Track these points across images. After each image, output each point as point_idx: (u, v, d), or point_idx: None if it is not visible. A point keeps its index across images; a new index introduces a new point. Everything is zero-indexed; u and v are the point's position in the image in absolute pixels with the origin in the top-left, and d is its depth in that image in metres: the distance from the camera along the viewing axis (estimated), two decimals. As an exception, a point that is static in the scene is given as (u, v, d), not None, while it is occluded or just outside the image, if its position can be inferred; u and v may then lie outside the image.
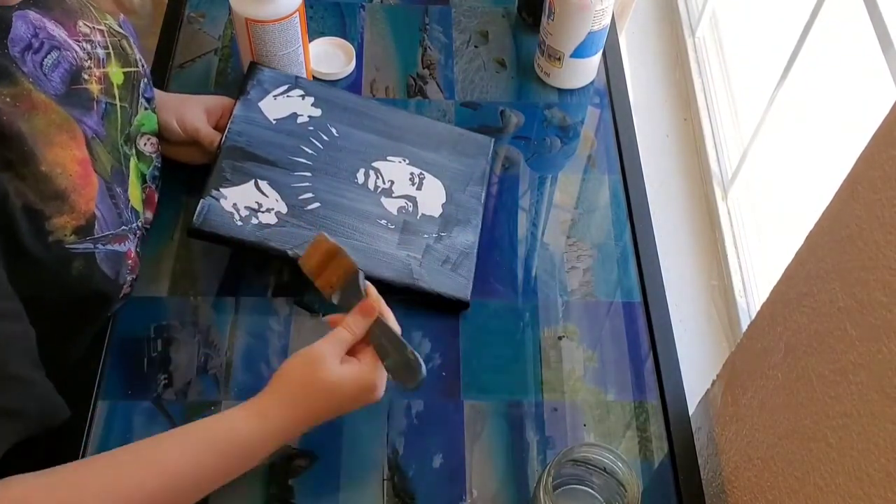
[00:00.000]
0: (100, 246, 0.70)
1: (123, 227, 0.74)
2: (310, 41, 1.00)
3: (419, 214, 0.87)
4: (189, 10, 1.08)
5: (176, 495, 0.63)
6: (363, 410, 0.76)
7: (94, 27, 0.75)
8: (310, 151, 0.87)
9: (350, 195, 0.86)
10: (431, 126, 0.95)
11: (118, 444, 0.73)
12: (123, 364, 0.78)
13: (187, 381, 0.77)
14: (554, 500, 0.64)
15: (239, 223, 0.80)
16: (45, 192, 0.64)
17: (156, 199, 0.85)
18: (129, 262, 0.74)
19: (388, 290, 0.81)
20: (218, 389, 0.77)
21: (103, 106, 0.74)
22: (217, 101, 0.89)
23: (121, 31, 0.80)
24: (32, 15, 0.67)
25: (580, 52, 0.98)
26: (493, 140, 0.95)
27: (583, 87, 1.04)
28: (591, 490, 0.71)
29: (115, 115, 0.75)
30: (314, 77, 1.01)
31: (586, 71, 1.02)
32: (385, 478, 0.74)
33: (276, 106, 0.89)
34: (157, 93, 0.86)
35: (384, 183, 0.88)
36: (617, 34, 1.11)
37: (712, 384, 0.82)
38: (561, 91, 1.03)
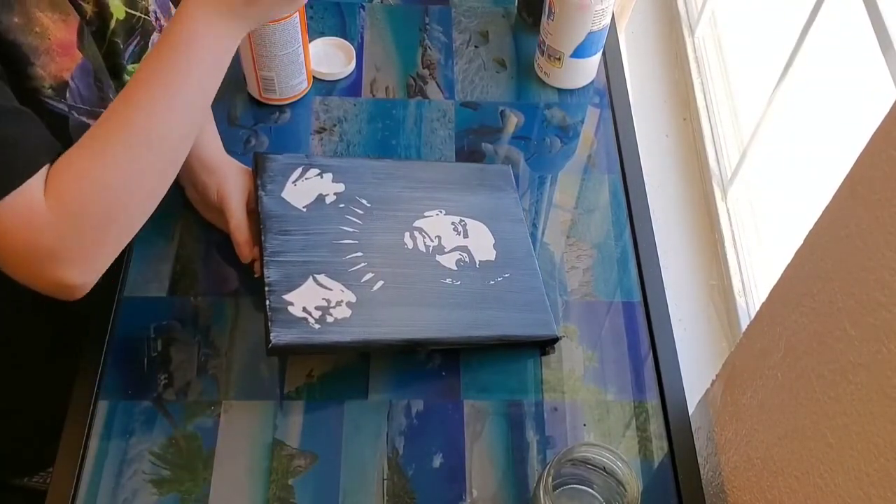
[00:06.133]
0: (73, 113, 0.71)
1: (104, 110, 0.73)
2: (310, 41, 1.00)
3: (477, 262, 0.84)
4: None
5: (186, 106, 0.66)
6: (363, 410, 0.76)
7: None
8: (351, 230, 0.82)
9: (408, 263, 0.81)
10: (451, 169, 0.92)
11: (118, 443, 0.74)
12: (123, 364, 0.78)
13: (187, 381, 0.77)
14: (554, 499, 0.65)
15: (317, 326, 0.74)
16: (19, 41, 0.65)
17: None
18: None
19: (481, 347, 0.79)
20: (218, 389, 0.77)
21: (93, 28, 0.74)
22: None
23: None
24: None
25: (580, 52, 0.98)
26: (510, 166, 0.94)
27: (583, 87, 1.04)
28: (591, 490, 0.71)
29: (102, 42, 0.75)
30: (314, 77, 1.01)
31: (586, 71, 1.02)
32: (385, 478, 0.74)
33: (300, 192, 0.83)
34: (213, 151, 0.84)
35: (432, 241, 0.84)
36: (617, 34, 1.11)
37: (712, 384, 0.82)
38: (561, 91, 1.03)
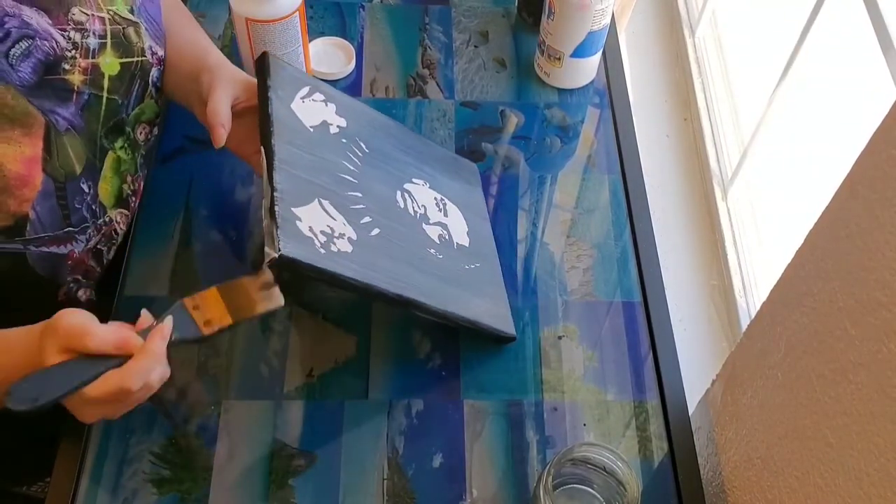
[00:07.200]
0: (31, 248, 0.69)
1: (70, 229, 0.72)
2: (310, 41, 1.00)
3: (455, 244, 0.81)
4: (189, 11, 1.07)
5: None
6: (363, 410, 0.76)
7: (92, 14, 0.72)
8: (351, 168, 0.76)
9: (401, 221, 0.77)
10: (432, 147, 0.90)
11: (118, 443, 0.74)
12: (123, 364, 0.78)
13: (187, 381, 0.77)
14: (554, 499, 0.65)
15: (322, 251, 0.66)
16: None
17: (141, 188, 0.84)
18: (70, 263, 0.73)
19: (450, 323, 0.77)
20: (218, 389, 0.77)
21: (85, 97, 0.72)
22: (248, 88, 0.79)
23: (130, 17, 0.77)
24: (6, 2, 0.65)
25: (580, 52, 0.98)
26: (476, 165, 0.94)
27: (583, 87, 1.04)
28: (591, 490, 0.71)
29: (98, 108, 0.73)
30: (314, 77, 1.00)
31: (586, 71, 1.02)
32: (385, 478, 0.74)
33: (307, 111, 0.77)
34: (216, 57, 0.81)
35: (419, 207, 0.80)
36: (617, 34, 1.11)
37: (712, 384, 0.82)
38: (561, 91, 1.03)
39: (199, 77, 0.79)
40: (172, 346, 0.62)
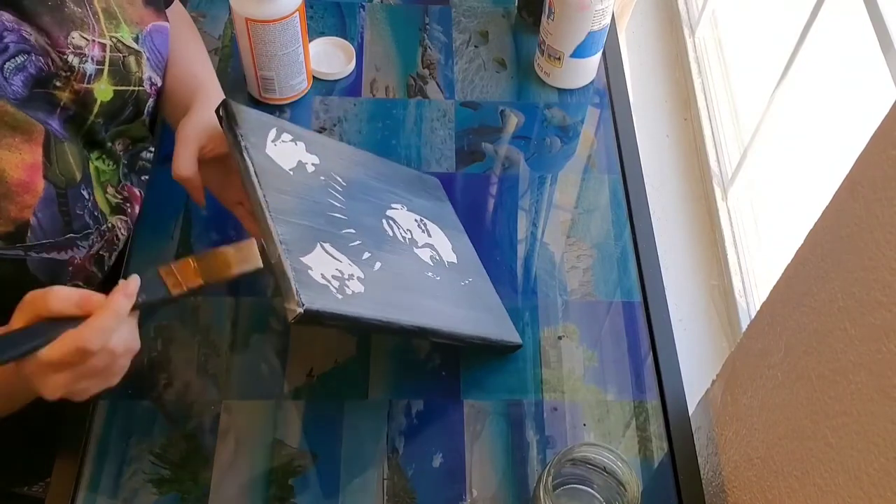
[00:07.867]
0: (32, 254, 0.68)
1: (71, 235, 0.72)
2: (310, 41, 1.00)
3: (446, 262, 0.80)
4: (189, 10, 1.07)
5: None
6: (363, 410, 0.76)
7: (93, 40, 0.72)
8: (337, 205, 0.75)
9: (395, 250, 0.76)
10: (397, 168, 0.88)
11: (118, 443, 0.74)
12: (123, 364, 0.78)
13: (187, 381, 0.77)
14: (554, 499, 0.65)
15: (339, 296, 0.65)
16: None
17: (137, 193, 0.84)
18: (71, 269, 0.73)
19: (465, 346, 0.77)
20: (218, 389, 0.77)
21: (70, 113, 0.72)
22: (217, 135, 0.77)
23: (133, 46, 0.76)
24: (5, 16, 0.66)
25: (580, 52, 0.98)
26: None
27: (583, 87, 1.04)
28: (591, 490, 0.71)
29: (80, 124, 0.74)
30: (314, 77, 1.01)
31: (586, 71, 1.02)
32: (385, 478, 0.74)
33: (281, 154, 0.74)
34: (198, 100, 0.80)
35: (405, 233, 0.79)
36: (617, 34, 1.11)
37: (712, 384, 0.82)
38: (561, 91, 1.03)
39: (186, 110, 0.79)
40: (141, 308, 0.60)
